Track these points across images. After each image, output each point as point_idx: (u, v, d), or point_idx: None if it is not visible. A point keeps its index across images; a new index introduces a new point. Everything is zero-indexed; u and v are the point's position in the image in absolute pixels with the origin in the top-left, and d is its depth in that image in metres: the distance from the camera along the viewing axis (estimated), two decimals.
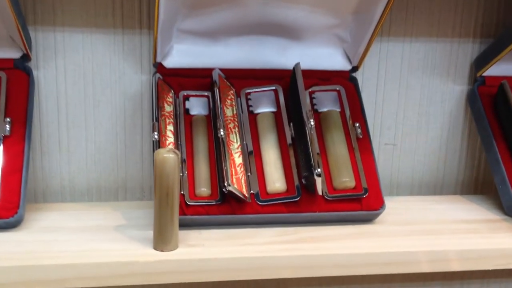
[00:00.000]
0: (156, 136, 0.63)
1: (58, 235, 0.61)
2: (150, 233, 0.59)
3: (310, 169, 0.62)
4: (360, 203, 0.65)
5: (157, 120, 0.65)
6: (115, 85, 0.71)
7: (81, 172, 0.73)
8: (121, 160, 0.73)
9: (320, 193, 0.63)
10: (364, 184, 0.66)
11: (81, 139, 0.72)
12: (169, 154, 0.55)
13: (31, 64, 0.69)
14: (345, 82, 0.73)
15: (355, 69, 0.73)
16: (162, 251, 0.57)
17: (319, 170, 0.61)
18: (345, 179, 0.65)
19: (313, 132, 0.64)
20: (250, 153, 0.67)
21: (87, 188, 0.74)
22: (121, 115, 0.72)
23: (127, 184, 0.74)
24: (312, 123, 0.64)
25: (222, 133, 0.64)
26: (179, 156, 0.56)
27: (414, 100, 0.78)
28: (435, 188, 0.82)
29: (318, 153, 0.64)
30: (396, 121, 0.79)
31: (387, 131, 0.79)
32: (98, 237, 0.61)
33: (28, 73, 0.67)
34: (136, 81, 0.72)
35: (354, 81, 0.73)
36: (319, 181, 0.61)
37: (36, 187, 0.73)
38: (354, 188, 0.65)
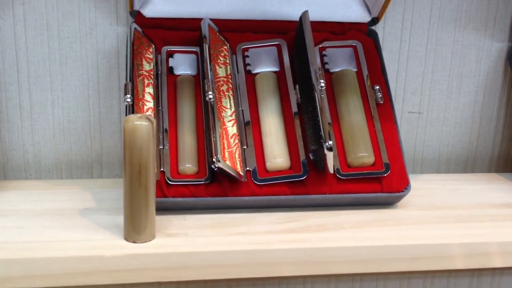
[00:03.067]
0: (129, 100, 0.52)
1: (9, 220, 0.50)
2: (122, 220, 0.48)
3: (319, 141, 0.50)
4: (380, 183, 0.54)
5: (132, 80, 0.53)
6: (86, 39, 0.60)
7: (48, 144, 0.62)
8: (95, 129, 0.62)
9: (331, 171, 0.51)
10: (385, 160, 0.54)
11: (47, 104, 0.61)
12: (141, 122, 0.44)
13: None
14: (363, 36, 0.61)
15: (375, 20, 0.62)
16: (134, 242, 0.47)
17: (330, 142, 0.49)
18: (362, 154, 0.53)
19: (324, 96, 0.52)
20: (246, 122, 0.55)
21: (55, 163, 0.62)
22: (94, 75, 0.61)
23: (103, 158, 0.63)
24: (323, 85, 0.52)
25: (211, 97, 0.52)
26: (154, 124, 0.44)
27: (444, 59, 0.67)
28: (466, 164, 0.70)
29: (329, 123, 0.53)
30: (422, 85, 0.67)
31: (411, 96, 0.67)
32: (57, 223, 0.50)
33: None
34: (111, 33, 0.60)
35: (373, 36, 0.62)
36: (330, 156, 0.50)
37: None
38: (373, 164, 0.54)
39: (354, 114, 0.56)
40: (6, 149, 0.61)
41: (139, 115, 0.44)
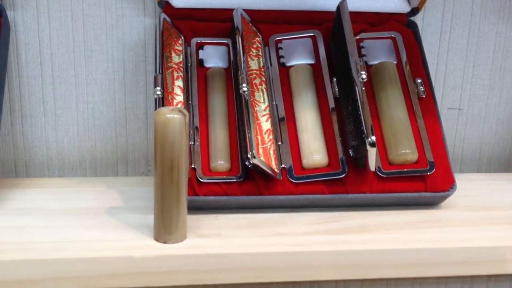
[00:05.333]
0: (159, 92, 0.49)
1: (33, 219, 0.48)
2: (152, 219, 0.46)
3: (360, 137, 0.47)
4: (424, 182, 0.50)
5: (162, 72, 0.51)
6: (112, 31, 0.57)
7: (72, 141, 0.59)
8: (121, 125, 0.59)
9: (372, 168, 0.48)
10: (430, 157, 0.51)
11: (71, 99, 0.58)
12: (173, 115, 0.41)
13: (5, 3, 0.55)
14: (402, 27, 0.58)
15: (414, 11, 0.59)
16: (165, 242, 0.44)
17: (373, 138, 0.46)
18: (405, 151, 0.50)
19: (365, 89, 0.49)
20: (281, 117, 0.52)
21: (79, 161, 0.60)
22: (120, 68, 0.58)
23: (129, 155, 0.61)
24: (364, 77, 0.49)
25: (245, 89, 0.49)
26: (188, 118, 0.41)
27: (486, 52, 0.63)
28: (509, 163, 0.67)
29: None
30: (463, 79, 0.63)
31: (451, 91, 0.64)
32: (83, 223, 0.47)
33: (0, 13, 0.53)
34: (138, 25, 0.58)
35: (413, 27, 0.58)
36: (372, 153, 0.47)
37: (16, 158, 0.59)
38: (417, 162, 0.51)
39: (395, 109, 0.52)
40: (28, 146, 0.59)
41: (171, 107, 0.42)
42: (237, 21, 0.54)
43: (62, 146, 0.59)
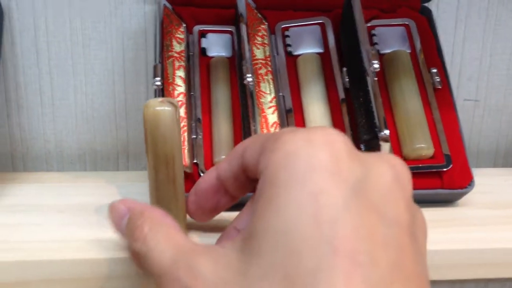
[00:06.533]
0: (158, 83, 0.46)
1: (27, 216, 0.45)
2: None
3: (373, 130, 0.44)
4: (441, 178, 0.48)
5: (161, 62, 0.48)
6: (110, 18, 0.55)
7: (70, 133, 0.57)
8: (121, 117, 0.57)
9: None
10: (446, 152, 0.48)
11: (69, 89, 0.56)
12: (163, 107, 0.38)
13: None
14: (415, 14, 0.55)
15: None
16: None
17: (386, 132, 0.43)
18: (420, 145, 0.47)
19: (376, 79, 0.46)
20: (288, 109, 0.49)
21: (78, 154, 0.58)
22: (119, 58, 0.56)
23: (129, 148, 0.58)
24: (376, 66, 0.46)
25: (249, 80, 0.46)
26: (178, 109, 0.38)
27: (505, 40, 0.60)
28: None
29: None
30: (479, 69, 0.60)
31: (467, 82, 0.61)
32: (79, 220, 0.44)
33: None
34: (138, 12, 0.55)
35: (427, 13, 0.55)
36: (385, 148, 0.44)
37: (13, 151, 0.57)
38: (433, 157, 0.48)
39: (409, 101, 0.49)
40: (26, 138, 0.57)
41: (160, 99, 0.39)
42: (241, 7, 0.51)
43: (60, 138, 0.57)
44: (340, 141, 0.27)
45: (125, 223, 0.35)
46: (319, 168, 0.25)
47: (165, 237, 0.31)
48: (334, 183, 0.25)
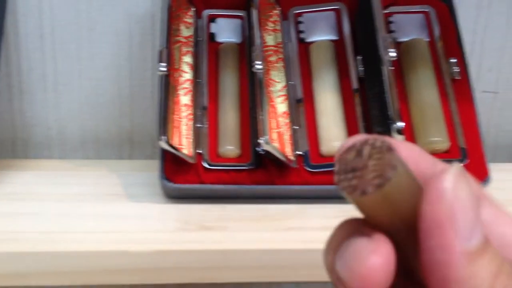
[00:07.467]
0: (163, 69, 0.44)
1: (24, 206, 0.44)
2: (152, 209, 0.41)
3: (386, 122, 0.42)
4: None
5: (167, 47, 0.46)
6: (117, 1, 0.53)
7: (74, 119, 0.55)
8: (126, 104, 0.55)
9: None
10: (463, 145, 0.46)
11: (73, 74, 0.54)
12: None
13: None
14: (435, 1, 0.53)
15: None
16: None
17: (400, 124, 0.41)
18: (435, 138, 0.45)
19: (392, 69, 0.44)
20: (299, 98, 0.47)
21: (81, 141, 0.56)
22: (125, 42, 0.54)
23: (134, 136, 0.56)
24: (393, 55, 0.43)
25: (259, 67, 0.44)
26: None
27: None
28: None
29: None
30: (500, 60, 0.58)
31: (487, 73, 0.58)
32: (78, 211, 0.43)
33: None
34: None
35: (447, 1, 0.53)
36: (400, 140, 0.41)
37: (14, 137, 0.55)
38: (448, 151, 0.46)
39: (425, 91, 0.47)
40: (27, 124, 0.55)
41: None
42: None
43: (63, 125, 0.55)
44: None
45: None
46: None
47: None
48: None
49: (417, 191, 0.20)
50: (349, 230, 0.22)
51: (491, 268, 0.20)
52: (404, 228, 0.20)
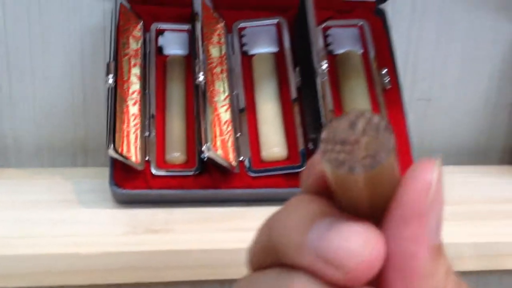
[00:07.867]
0: (110, 81, 0.47)
1: None
2: (102, 214, 0.44)
3: (319, 129, 0.45)
4: None
5: (116, 59, 0.49)
6: (69, 15, 0.55)
7: (29, 128, 0.57)
8: (79, 113, 0.58)
9: None
10: None
11: (27, 85, 0.56)
12: None
13: None
14: (370, 15, 0.57)
15: None
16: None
17: None
18: None
19: (326, 79, 0.47)
20: (241, 107, 0.50)
21: (36, 149, 0.58)
22: (78, 54, 0.56)
23: (88, 144, 0.59)
24: (325, 67, 0.47)
25: (201, 79, 0.47)
26: None
27: (457, 41, 0.62)
28: (477, 155, 0.66)
29: (331, 109, 0.48)
30: (433, 69, 0.62)
31: (420, 82, 0.62)
32: (31, 216, 0.45)
33: None
34: (97, 9, 0.56)
35: (381, 15, 0.57)
36: None
37: None
38: None
39: (358, 100, 0.51)
40: None
41: None
42: (197, 6, 0.52)
43: (19, 134, 0.57)
44: None
45: None
46: None
47: None
48: None
49: (394, 180, 0.19)
50: (319, 210, 0.21)
51: (445, 268, 0.20)
52: (370, 213, 0.19)
